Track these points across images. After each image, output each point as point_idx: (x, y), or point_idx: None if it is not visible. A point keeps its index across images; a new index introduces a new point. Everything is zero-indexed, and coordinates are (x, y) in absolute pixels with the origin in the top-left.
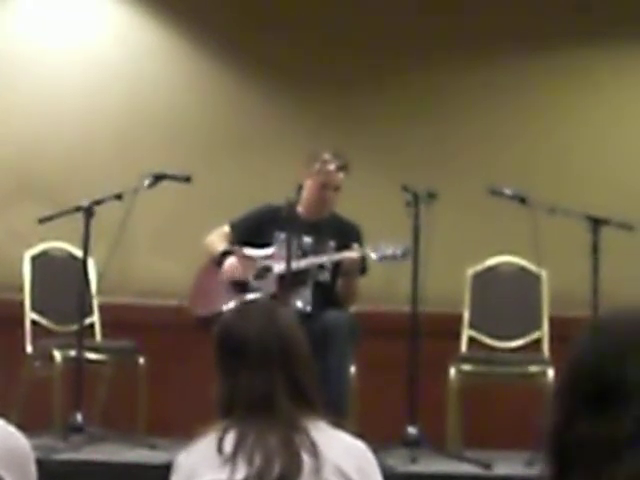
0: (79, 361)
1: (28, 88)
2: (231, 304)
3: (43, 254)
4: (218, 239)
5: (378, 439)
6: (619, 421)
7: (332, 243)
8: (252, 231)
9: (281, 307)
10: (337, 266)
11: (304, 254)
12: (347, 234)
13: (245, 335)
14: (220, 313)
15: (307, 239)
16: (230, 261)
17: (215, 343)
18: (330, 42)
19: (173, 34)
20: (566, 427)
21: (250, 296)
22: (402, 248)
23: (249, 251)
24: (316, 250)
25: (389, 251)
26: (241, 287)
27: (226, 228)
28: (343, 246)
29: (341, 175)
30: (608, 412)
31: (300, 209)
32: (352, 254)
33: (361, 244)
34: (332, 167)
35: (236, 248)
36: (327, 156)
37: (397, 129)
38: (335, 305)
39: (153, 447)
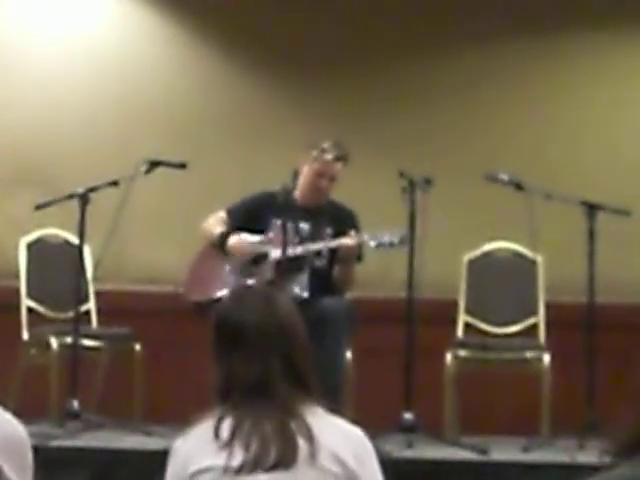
0: (75, 348)
1: (24, 76)
2: (226, 290)
3: (39, 241)
4: (216, 223)
5: (374, 425)
6: None
7: (329, 229)
8: (248, 217)
9: (279, 293)
10: (334, 252)
11: (301, 240)
12: (343, 220)
13: (242, 320)
14: (216, 299)
15: (304, 225)
16: (235, 238)
17: (212, 328)
18: (330, 29)
19: (171, 21)
20: None
21: (249, 281)
22: (399, 235)
23: (246, 237)
24: (313, 236)
25: (386, 238)
26: (254, 262)
27: (222, 214)
28: (340, 232)
29: (339, 166)
30: None
31: (296, 195)
32: (349, 241)
33: (357, 230)
34: (330, 156)
35: (234, 233)
36: (326, 145)
37: (394, 115)
38: (332, 291)
39: (149, 434)
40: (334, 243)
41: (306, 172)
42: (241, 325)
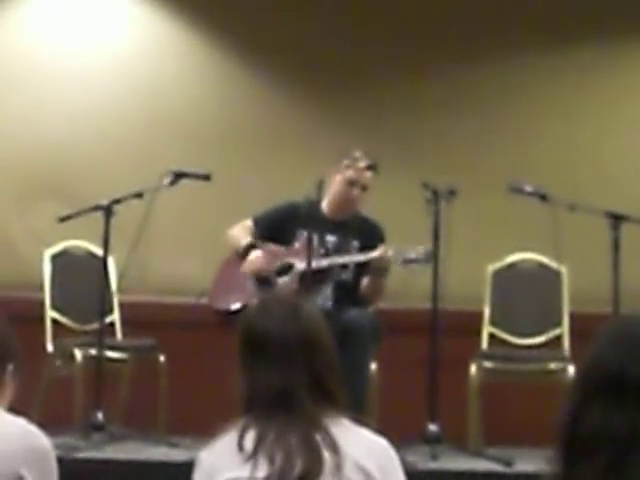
0: (99, 360)
1: (48, 88)
2: (250, 299)
3: (63, 253)
4: (242, 232)
5: (399, 436)
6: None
7: (355, 242)
8: (275, 228)
9: (306, 303)
10: (360, 266)
11: (327, 253)
12: (371, 234)
13: (267, 329)
14: (238, 308)
15: (330, 237)
16: (255, 254)
17: (238, 338)
18: (353, 41)
19: (192, 33)
20: (580, 419)
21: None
22: (424, 253)
23: (272, 247)
24: (339, 249)
25: (412, 255)
26: (264, 281)
27: (249, 222)
28: (366, 246)
29: (369, 174)
30: (627, 405)
31: (324, 207)
32: (374, 254)
33: (384, 244)
34: (362, 165)
35: (260, 243)
36: (358, 153)
37: (418, 127)
38: (357, 304)
39: (174, 445)
40: (361, 257)
41: (337, 181)
42: (265, 335)
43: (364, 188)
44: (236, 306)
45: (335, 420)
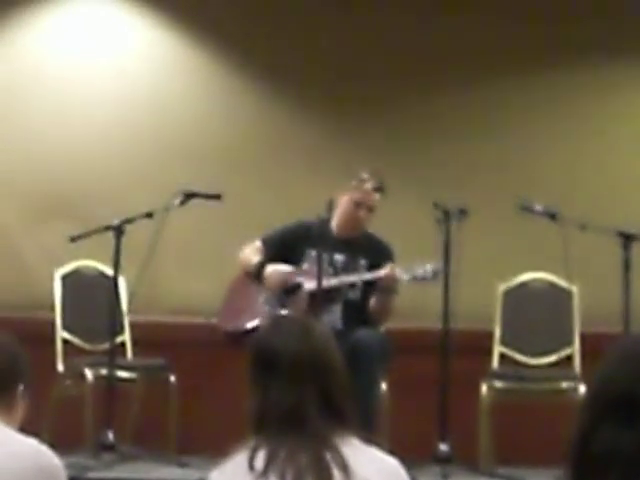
0: (110, 379)
1: (57, 107)
2: (259, 321)
3: (74, 273)
4: (252, 253)
5: (409, 456)
6: None
7: (363, 261)
8: (284, 247)
9: (316, 323)
10: (368, 285)
11: (335, 272)
12: (379, 254)
13: (277, 349)
14: (248, 330)
15: (339, 257)
16: (272, 268)
17: (249, 357)
18: (360, 58)
19: (199, 50)
20: (590, 438)
21: (283, 312)
22: (432, 269)
23: (280, 267)
24: (347, 268)
25: (419, 272)
26: (291, 290)
27: (258, 243)
28: (374, 265)
29: (377, 196)
30: (637, 424)
31: (333, 226)
32: (381, 272)
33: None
34: (369, 186)
35: (269, 263)
36: (365, 175)
37: (428, 146)
38: (365, 323)
39: (184, 465)
40: (369, 276)
41: (344, 202)
42: (276, 354)
43: (370, 209)
44: (253, 324)
45: (345, 440)
